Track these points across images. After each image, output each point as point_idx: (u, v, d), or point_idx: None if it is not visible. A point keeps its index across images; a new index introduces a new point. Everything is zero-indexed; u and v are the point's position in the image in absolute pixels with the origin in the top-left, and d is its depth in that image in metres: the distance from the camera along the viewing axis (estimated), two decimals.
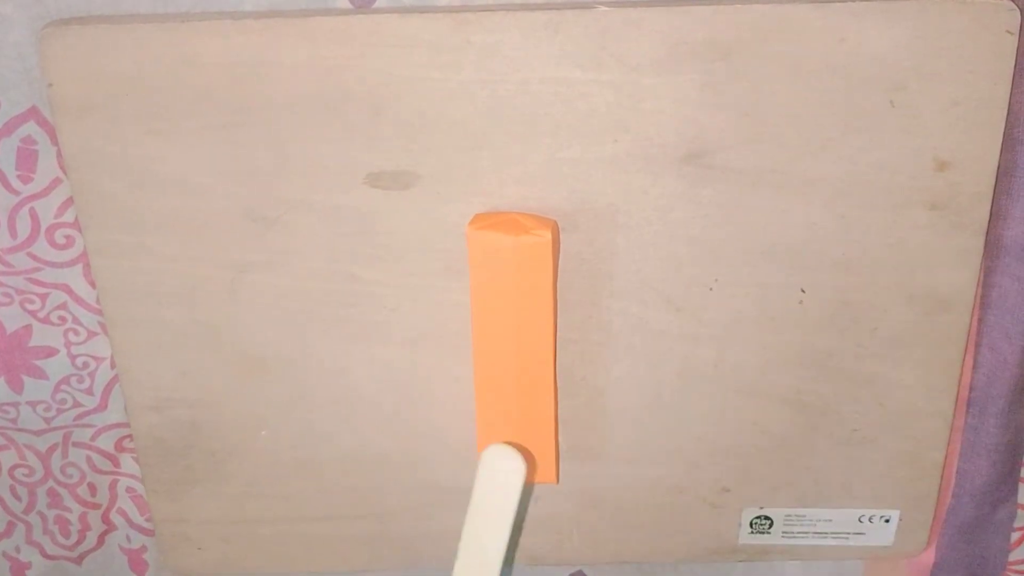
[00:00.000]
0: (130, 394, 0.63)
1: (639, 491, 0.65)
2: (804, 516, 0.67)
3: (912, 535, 0.67)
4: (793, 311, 0.60)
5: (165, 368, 0.62)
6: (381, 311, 0.60)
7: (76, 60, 0.54)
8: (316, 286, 0.59)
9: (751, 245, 0.58)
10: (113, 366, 0.64)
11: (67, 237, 0.61)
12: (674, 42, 0.53)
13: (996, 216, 0.59)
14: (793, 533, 0.67)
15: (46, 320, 0.64)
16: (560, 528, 0.67)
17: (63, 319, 0.64)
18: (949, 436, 0.64)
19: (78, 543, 0.72)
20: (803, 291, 0.59)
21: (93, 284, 0.61)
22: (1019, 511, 0.69)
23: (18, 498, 0.70)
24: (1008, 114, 0.55)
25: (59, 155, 0.58)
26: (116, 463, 0.69)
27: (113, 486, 0.70)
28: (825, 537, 0.68)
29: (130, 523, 0.71)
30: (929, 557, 0.70)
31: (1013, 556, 0.71)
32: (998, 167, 0.57)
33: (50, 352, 0.65)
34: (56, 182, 0.59)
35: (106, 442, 0.68)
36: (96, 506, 0.71)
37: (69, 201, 0.59)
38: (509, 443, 0.59)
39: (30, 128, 0.58)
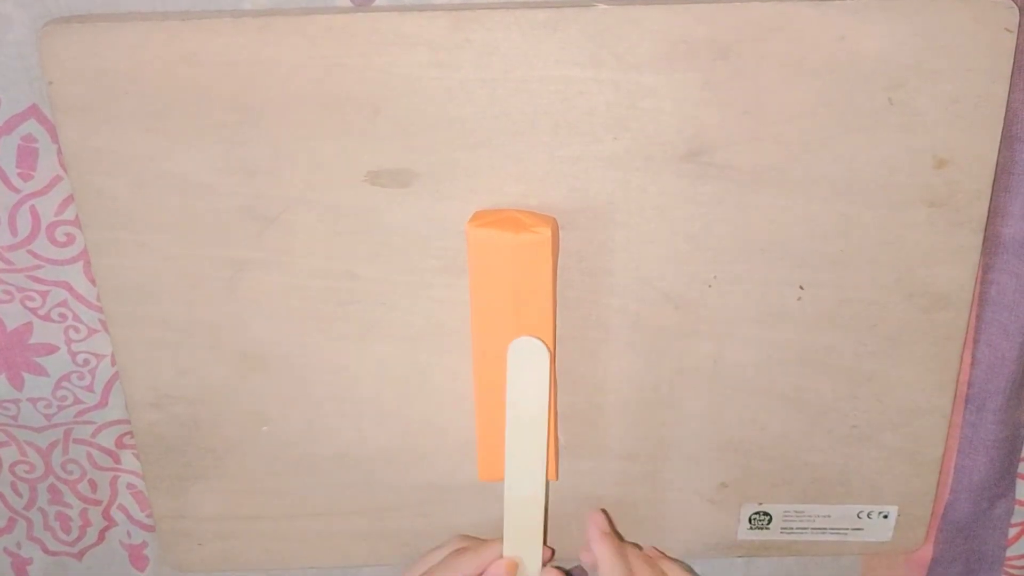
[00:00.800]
0: (130, 391, 0.63)
1: (638, 487, 0.66)
2: (803, 512, 0.67)
3: (910, 531, 0.68)
4: (792, 308, 0.60)
5: (165, 365, 0.62)
6: (380, 309, 0.60)
7: (76, 58, 0.54)
8: (315, 284, 0.59)
9: (750, 242, 0.58)
10: (113, 363, 0.64)
11: (67, 235, 0.61)
12: (673, 40, 0.53)
13: (994, 213, 0.59)
14: (792, 529, 0.68)
15: (47, 317, 0.64)
16: (559, 524, 0.67)
17: (63, 316, 0.64)
18: (947, 432, 0.64)
19: (79, 539, 0.72)
20: (802, 288, 0.59)
21: (93, 281, 0.61)
22: (1017, 507, 0.69)
23: (19, 494, 0.70)
24: (1006, 112, 0.55)
25: (59, 153, 0.58)
26: (116, 459, 0.69)
27: (114, 482, 0.70)
28: (824, 533, 0.68)
29: (131, 519, 0.72)
30: (927, 552, 0.70)
31: (1010, 552, 0.71)
32: (996, 164, 0.57)
33: (51, 349, 0.65)
34: (56, 180, 0.59)
35: (107, 439, 0.68)
36: (97, 502, 0.71)
37: (69, 199, 0.59)
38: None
39: (30, 126, 0.58)
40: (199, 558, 0.69)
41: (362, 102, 0.55)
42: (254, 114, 0.55)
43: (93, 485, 0.70)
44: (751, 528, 0.67)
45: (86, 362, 0.65)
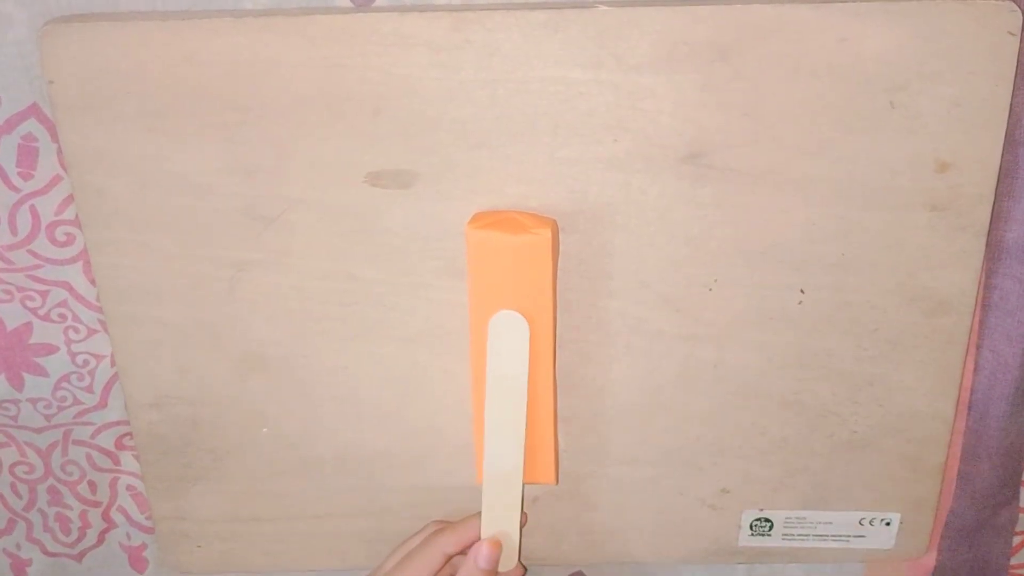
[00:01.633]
0: (130, 392, 0.63)
1: (638, 492, 0.65)
2: (804, 518, 0.66)
3: (913, 538, 0.67)
4: (792, 312, 0.60)
5: (165, 366, 0.62)
6: (380, 310, 0.60)
7: (77, 58, 0.54)
8: (315, 285, 0.59)
9: (750, 245, 0.58)
10: (113, 364, 0.64)
11: (67, 235, 0.61)
12: (674, 42, 0.53)
13: (997, 217, 0.59)
14: (793, 535, 0.67)
15: (46, 318, 0.64)
16: (558, 528, 0.67)
17: (63, 316, 0.64)
18: (950, 439, 0.64)
19: (78, 540, 0.72)
20: (802, 292, 0.59)
21: (93, 282, 0.61)
22: (1020, 515, 0.69)
23: (19, 495, 0.70)
24: (1009, 115, 0.55)
25: (59, 152, 0.58)
26: (116, 461, 0.69)
27: (113, 484, 0.70)
28: (825, 540, 0.67)
29: (130, 521, 0.72)
30: (930, 560, 0.70)
31: (1015, 560, 0.71)
32: (1000, 168, 0.57)
33: (50, 350, 0.65)
34: (56, 179, 0.59)
35: (106, 440, 0.68)
36: (96, 504, 0.71)
37: (69, 199, 0.60)
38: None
39: (31, 125, 0.58)
40: (198, 560, 0.69)
41: (362, 103, 0.55)
42: (254, 114, 0.55)
43: (93, 486, 0.70)
44: (752, 534, 0.67)
45: (86, 363, 0.65)
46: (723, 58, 0.53)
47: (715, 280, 0.59)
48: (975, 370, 0.64)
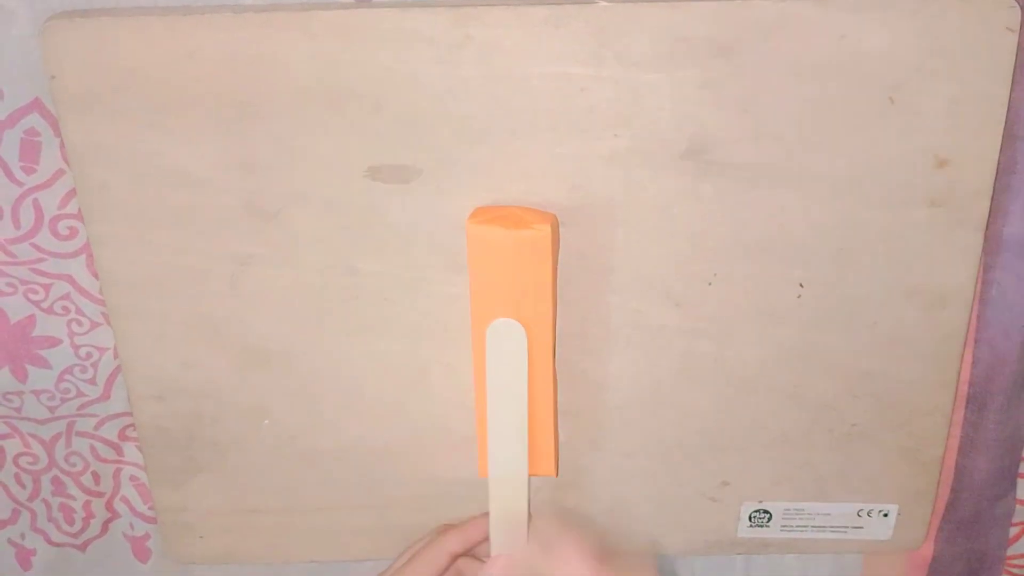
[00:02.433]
0: (133, 384, 0.63)
1: (638, 484, 0.66)
2: (803, 510, 0.67)
3: (911, 530, 0.67)
4: (792, 306, 0.60)
5: (168, 359, 0.62)
6: (381, 304, 0.60)
7: (79, 53, 0.54)
8: (317, 279, 0.60)
9: (750, 240, 0.58)
10: (116, 356, 0.65)
11: (70, 228, 0.61)
12: (674, 38, 0.53)
13: (995, 213, 0.59)
14: (792, 527, 0.68)
15: (49, 310, 0.64)
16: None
17: (66, 309, 0.64)
18: (948, 432, 0.64)
19: (82, 531, 0.73)
20: (802, 286, 0.59)
21: (96, 275, 0.62)
22: (1018, 506, 0.69)
23: (23, 486, 0.71)
24: (1008, 111, 0.55)
25: (62, 147, 0.58)
26: (119, 452, 0.69)
27: (116, 475, 0.70)
28: (824, 531, 0.68)
29: (133, 511, 0.72)
30: (928, 552, 0.70)
31: (1011, 551, 0.71)
32: (998, 164, 0.57)
33: (53, 342, 0.65)
34: (59, 173, 0.59)
35: (109, 431, 0.68)
36: (100, 494, 0.71)
37: (72, 192, 0.60)
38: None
39: (33, 120, 0.58)
40: (200, 551, 0.69)
41: (363, 98, 0.55)
42: (255, 109, 0.55)
43: (96, 477, 0.70)
44: (751, 526, 0.67)
45: (88, 355, 0.65)
46: (723, 55, 0.54)
47: (715, 275, 0.59)
48: (973, 363, 0.64)
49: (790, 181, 0.56)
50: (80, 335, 0.65)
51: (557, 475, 0.63)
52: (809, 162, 0.56)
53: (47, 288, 0.63)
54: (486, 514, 0.61)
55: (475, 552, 0.62)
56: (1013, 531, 0.70)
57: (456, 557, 0.61)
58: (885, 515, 0.67)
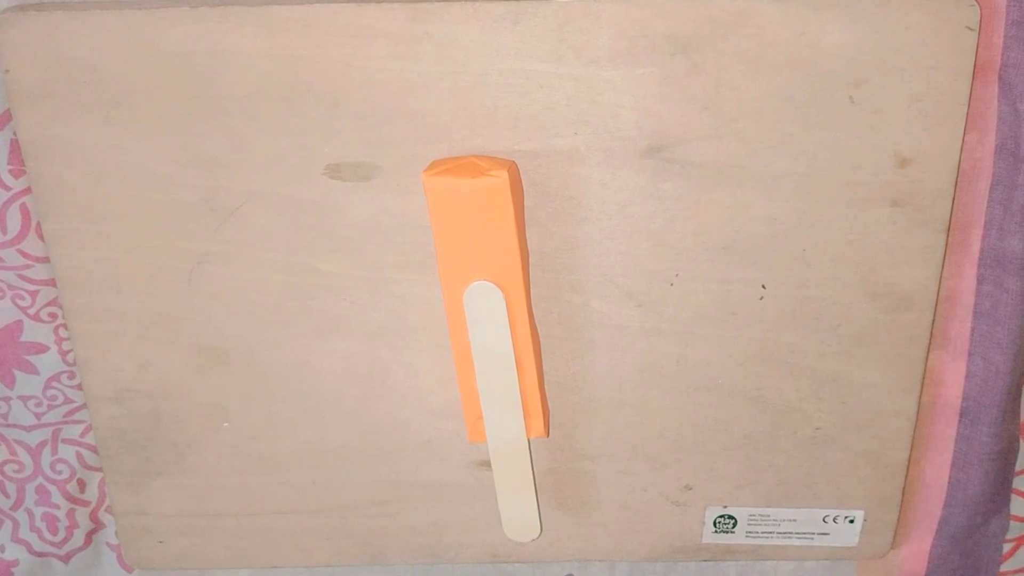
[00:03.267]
0: (90, 385, 0.62)
1: (601, 488, 0.65)
2: (768, 516, 0.66)
3: (877, 536, 0.67)
4: (754, 307, 0.59)
5: (125, 359, 0.62)
6: (341, 304, 0.60)
7: (33, 47, 0.53)
8: (276, 278, 0.59)
9: (712, 240, 0.58)
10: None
11: None
12: (633, 35, 0.53)
13: (989, 227, 0.59)
14: (757, 533, 0.67)
15: (36, 317, 0.63)
16: None
17: (53, 316, 0.63)
18: (913, 436, 0.64)
19: (66, 540, 0.72)
20: (764, 287, 0.59)
21: None
22: (1012, 522, 0.69)
23: (6, 495, 0.70)
24: (1000, 125, 0.56)
25: None
26: None
27: (102, 484, 0.69)
28: (790, 537, 0.67)
29: None
30: (921, 567, 0.70)
31: (1005, 567, 0.71)
32: (992, 176, 0.57)
33: (41, 348, 0.64)
34: None
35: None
36: (85, 503, 0.70)
37: None
38: None
39: None
40: (160, 555, 0.68)
41: (321, 94, 0.54)
42: (212, 105, 0.55)
43: (82, 485, 0.69)
44: (716, 531, 0.67)
45: (76, 362, 0.64)
46: (683, 52, 0.53)
47: (676, 275, 0.59)
48: (966, 377, 0.63)
49: (751, 180, 0.56)
50: (67, 341, 0.64)
51: (548, 435, 0.62)
52: (770, 161, 0.56)
53: (34, 295, 0.63)
54: None
55: None
56: (1007, 547, 0.70)
57: None
58: (851, 521, 0.66)
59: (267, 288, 0.59)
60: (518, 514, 0.62)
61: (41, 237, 0.61)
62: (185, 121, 0.55)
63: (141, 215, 0.57)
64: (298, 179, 0.56)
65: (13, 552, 0.72)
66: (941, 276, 0.59)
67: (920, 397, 0.63)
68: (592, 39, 0.53)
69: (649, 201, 0.57)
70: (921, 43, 0.53)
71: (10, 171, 0.59)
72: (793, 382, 0.62)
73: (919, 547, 0.69)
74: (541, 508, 0.65)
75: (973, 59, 0.53)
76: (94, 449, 0.68)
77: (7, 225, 0.60)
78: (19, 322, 0.63)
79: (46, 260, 0.61)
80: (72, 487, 0.69)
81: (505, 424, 0.59)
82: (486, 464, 0.60)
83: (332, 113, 0.55)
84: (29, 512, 0.70)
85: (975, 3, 0.52)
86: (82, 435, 0.68)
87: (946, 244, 0.58)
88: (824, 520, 0.66)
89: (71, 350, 0.64)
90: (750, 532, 0.67)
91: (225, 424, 0.63)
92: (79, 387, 0.66)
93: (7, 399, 0.66)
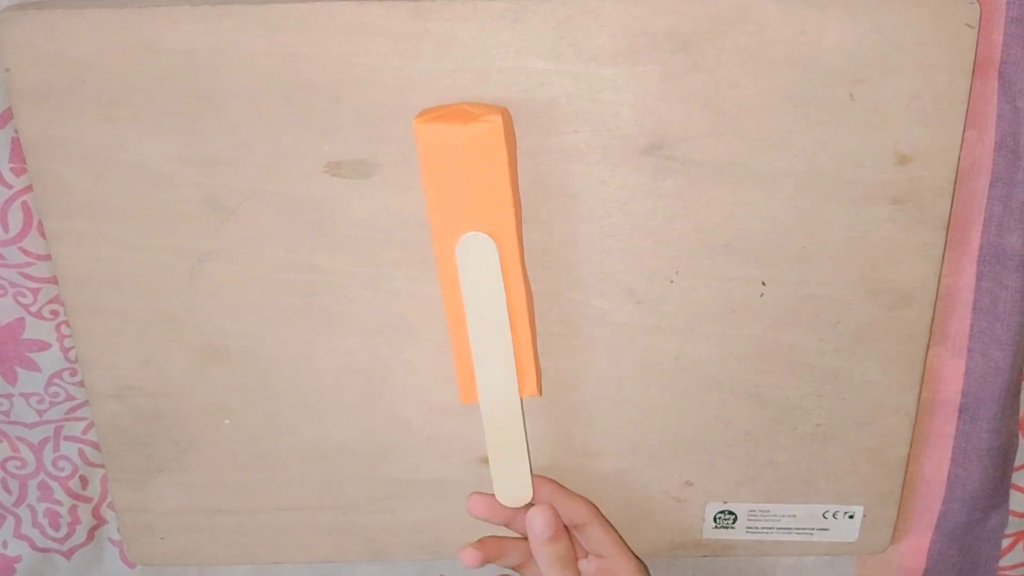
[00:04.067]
0: (91, 382, 0.62)
1: (601, 484, 0.65)
2: (768, 511, 0.66)
3: (876, 532, 0.67)
4: (754, 304, 0.60)
5: (126, 356, 0.62)
6: (341, 301, 0.60)
7: (33, 45, 0.54)
8: (276, 276, 0.59)
9: (712, 237, 0.58)
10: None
11: None
12: (633, 33, 0.53)
13: (989, 224, 0.59)
14: (757, 528, 0.67)
15: (38, 315, 0.63)
16: None
17: (55, 313, 0.63)
18: (912, 432, 0.64)
19: (68, 536, 0.72)
20: (764, 284, 0.59)
21: None
22: (1011, 518, 0.69)
23: (9, 491, 0.70)
24: (1000, 123, 0.56)
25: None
26: None
27: (104, 480, 0.69)
28: (790, 533, 0.67)
29: None
30: (920, 562, 0.70)
31: (1003, 562, 0.71)
32: (991, 173, 0.57)
33: (43, 346, 0.64)
34: None
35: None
36: (87, 499, 0.70)
37: None
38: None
39: None
40: (161, 551, 0.68)
41: (322, 92, 0.54)
42: (212, 103, 0.55)
43: (84, 481, 0.69)
44: (716, 527, 0.67)
45: (78, 359, 0.64)
46: (683, 49, 0.53)
47: (676, 272, 0.59)
48: (965, 373, 0.63)
49: (751, 177, 0.56)
50: (69, 339, 0.64)
51: (540, 394, 0.61)
52: (770, 158, 0.56)
53: (36, 292, 0.63)
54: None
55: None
56: (1006, 542, 0.70)
57: None
58: (851, 517, 0.67)
59: (268, 286, 0.59)
60: (510, 477, 0.60)
61: (43, 235, 0.61)
62: (186, 119, 0.55)
63: (142, 213, 0.58)
64: (298, 177, 0.57)
65: (16, 548, 0.72)
66: (941, 273, 0.59)
67: (920, 393, 0.63)
68: (592, 37, 0.53)
69: (649, 199, 0.57)
70: (921, 41, 0.53)
71: (11, 169, 0.59)
72: (793, 379, 0.62)
73: (918, 543, 0.70)
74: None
75: (973, 57, 0.53)
76: (96, 446, 0.68)
77: (9, 223, 0.60)
78: (21, 319, 0.64)
79: (48, 258, 0.61)
80: (74, 483, 0.69)
81: (498, 382, 0.58)
82: (486, 461, 0.60)
83: (332, 111, 0.55)
84: (31, 508, 0.70)
85: (975, 1, 0.52)
86: (84, 432, 0.68)
87: (946, 241, 0.58)
88: (824, 516, 0.66)
89: (73, 347, 0.64)
90: (750, 528, 0.67)
91: (226, 421, 0.63)
92: (81, 384, 0.66)
93: (9, 396, 0.66)
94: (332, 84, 0.54)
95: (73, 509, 0.70)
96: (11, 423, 0.67)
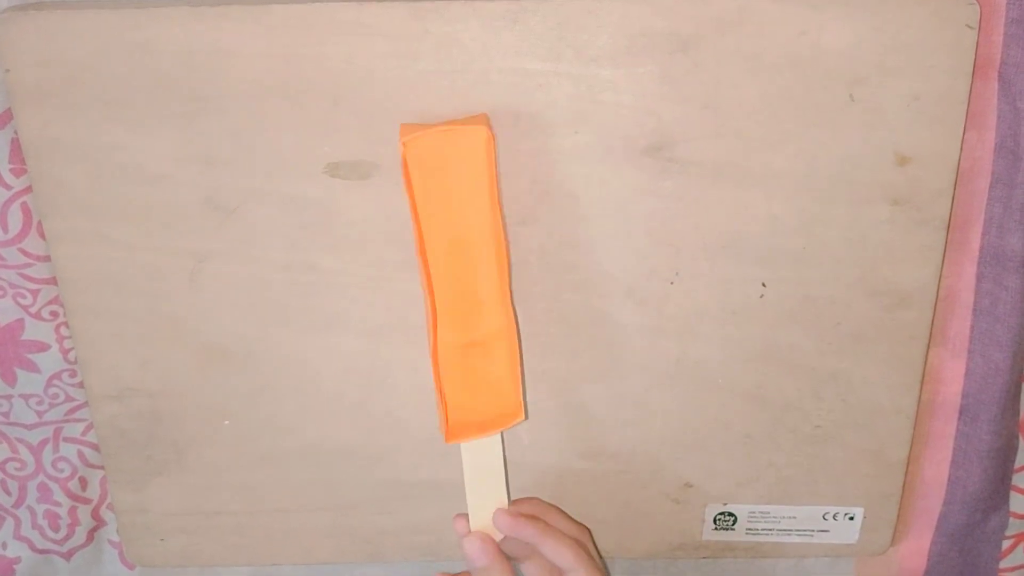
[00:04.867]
0: (91, 383, 0.62)
1: (601, 486, 0.65)
2: (768, 513, 0.66)
3: (876, 533, 0.67)
4: (754, 305, 0.59)
5: (126, 357, 0.62)
6: (341, 301, 0.60)
7: (33, 46, 0.53)
8: (276, 276, 0.59)
9: (712, 238, 0.58)
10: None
11: None
12: (633, 34, 0.53)
13: (989, 225, 0.59)
14: (757, 530, 0.67)
15: (38, 316, 0.63)
16: None
17: (55, 314, 0.63)
18: (912, 433, 0.64)
19: (68, 538, 0.72)
20: (764, 285, 0.59)
21: None
22: (1011, 519, 0.69)
23: (8, 492, 0.70)
24: (1000, 124, 0.56)
25: None
26: None
27: (104, 481, 0.69)
28: (790, 534, 0.67)
29: None
30: (920, 563, 0.70)
31: (1004, 564, 0.71)
32: (991, 174, 0.57)
33: (42, 347, 0.64)
34: None
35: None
36: (87, 501, 0.70)
37: None
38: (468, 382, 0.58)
39: None
40: (161, 553, 0.68)
41: (321, 93, 0.54)
42: (212, 104, 0.55)
43: (83, 483, 0.69)
44: (716, 528, 0.67)
45: (77, 360, 0.64)
46: (683, 50, 0.53)
47: (676, 273, 0.59)
48: (966, 374, 0.63)
49: (751, 178, 0.56)
50: (69, 340, 0.64)
51: (526, 417, 0.61)
52: (770, 159, 0.56)
53: (35, 293, 0.63)
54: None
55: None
56: (1006, 544, 0.70)
57: None
58: (851, 518, 0.66)
59: (267, 286, 0.59)
60: (485, 508, 0.60)
61: (42, 236, 0.60)
62: (185, 120, 0.55)
63: (142, 214, 0.57)
64: (298, 177, 0.56)
65: (15, 549, 0.72)
66: (941, 274, 0.59)
67: (920, 395, 0.63)
68: (592, 38, 0.53)
69: (649, 199, 0.57)
70: (921, 42, 0.53)
71: (11, 170, 0.59)
72: (793, 380, 0.62)
73: (918, 544, 0.70)
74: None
75: (973, 57, 0.53)
76: (95, 447, 0.68)
77: (8, 224, 0.60)
78: (20, 320, 0.63)
79: (47, 259, 0.61)
80: (74, 485, 0.69)
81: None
82: None
83: (332, 112, 0.55)
84: (31, 510, 0.70)
85: (975, 1, 0.52)
86: (83, 433, 0.68)
87: (946, 242, 0.58)
88: (824, 517, 0.66)
89: (72, 348, 0.64)
90: (750, 529, 0.67)
91: (226, 422, 0.63)
92: (80, 385, 0.66)
93: (9, 397, 0.66)
94: (332, 85, 0.54)
95: (72, 510, 0.70)
96: (10, 424, 0.67)
